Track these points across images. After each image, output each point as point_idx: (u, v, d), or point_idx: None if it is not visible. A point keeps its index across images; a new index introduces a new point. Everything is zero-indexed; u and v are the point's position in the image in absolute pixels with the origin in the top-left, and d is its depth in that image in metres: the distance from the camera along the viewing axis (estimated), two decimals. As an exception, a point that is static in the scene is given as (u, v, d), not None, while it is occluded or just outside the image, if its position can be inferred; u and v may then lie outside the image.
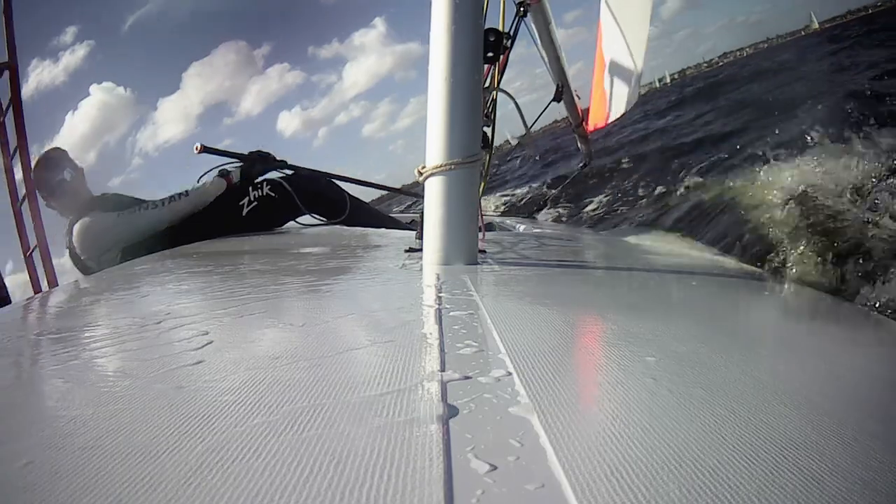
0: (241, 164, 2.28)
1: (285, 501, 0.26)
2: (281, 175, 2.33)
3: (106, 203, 2.19)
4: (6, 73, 2.66)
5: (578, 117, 3.29)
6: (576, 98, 3.21)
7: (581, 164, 4.18)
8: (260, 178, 2.31)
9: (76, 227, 2.09)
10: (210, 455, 0.30)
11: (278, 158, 2.39)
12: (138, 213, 2.06)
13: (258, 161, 2.27)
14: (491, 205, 5.98)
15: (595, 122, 3.08)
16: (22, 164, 2.75)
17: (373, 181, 2.93)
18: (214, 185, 2.15)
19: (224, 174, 2.17)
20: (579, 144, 3.78)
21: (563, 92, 2.79)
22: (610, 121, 2.91)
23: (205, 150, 2.21)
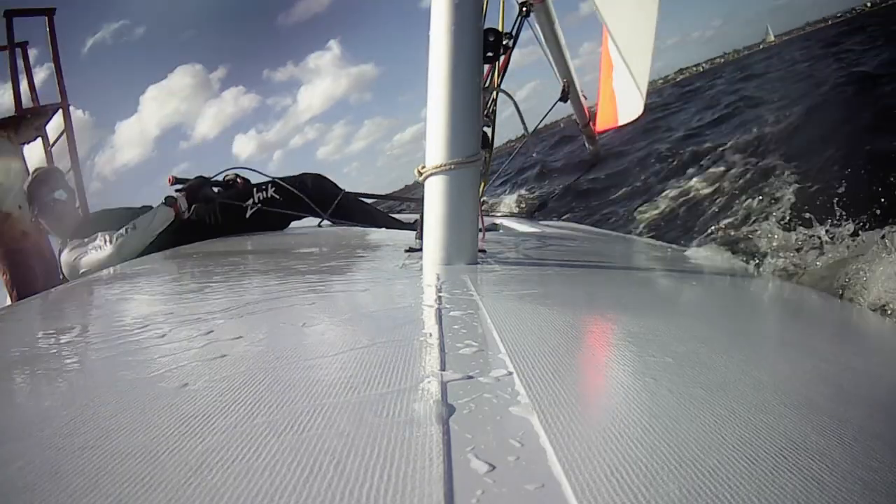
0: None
1: (285, 501, 0.26)
2: (284, 178, 2.35)
3: (99, 221, 2.19)
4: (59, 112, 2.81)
5: (585, 117, 3.29)
6: (582, 98, 3.21)
7: (589, 165, 4.18)
8: (264, 181, 2.32)
9: (63, 261, 2.12)
10: (210, 455, 0.30)
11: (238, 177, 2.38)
12: (100, 247, 2.04)
13: (203, 184, 2.24)
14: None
15: (604, 123, 3.07)
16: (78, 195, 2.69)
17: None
18: (161, 215, 2.12)
19: (170, 202, 2.14)
20: (586, 144, 3.78)
21: (569, 91, 2.79)
22: (621, 123, 2.91)
23: (177, 181, 2.23)
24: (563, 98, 2.72)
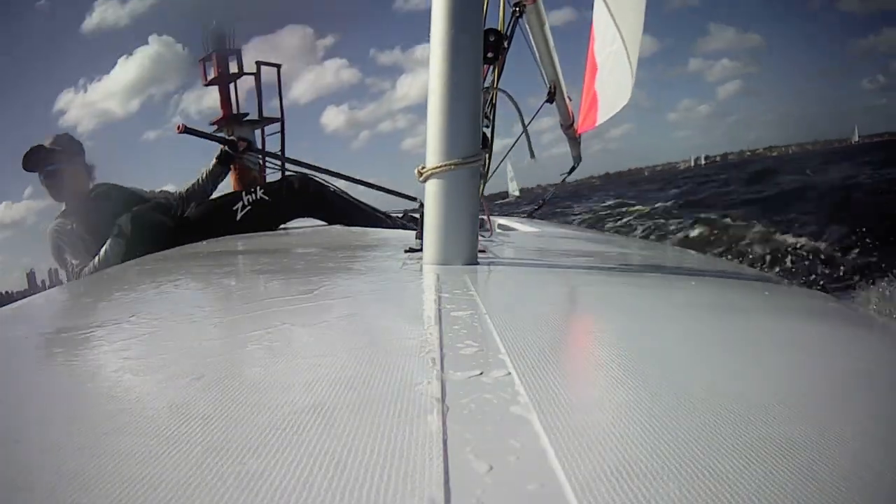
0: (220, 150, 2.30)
1: (285, 501, 0.26)
2: (274, 180, 2.37)
3: (104, 196, 2.21)
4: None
5: (569, 118, 3.30)
6: (567, 100, 3.21)
7: (571, 167, 4.19)
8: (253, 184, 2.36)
9: (49, 227, 2.13)
10: (210, 455, 0.30)
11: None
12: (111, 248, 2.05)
13: (236, 144, 2.29)
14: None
15: (585, 124, 3.09)
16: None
17: (389, 187, 2.93)
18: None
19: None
20: (569, 146, 3.79)
21: (555, 93, 2.79)
22: (598, 122, 2.92)
23: (186, 130, 2.23)
24: (550, 99, 2.73)
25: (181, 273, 1.24)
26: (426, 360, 0.43)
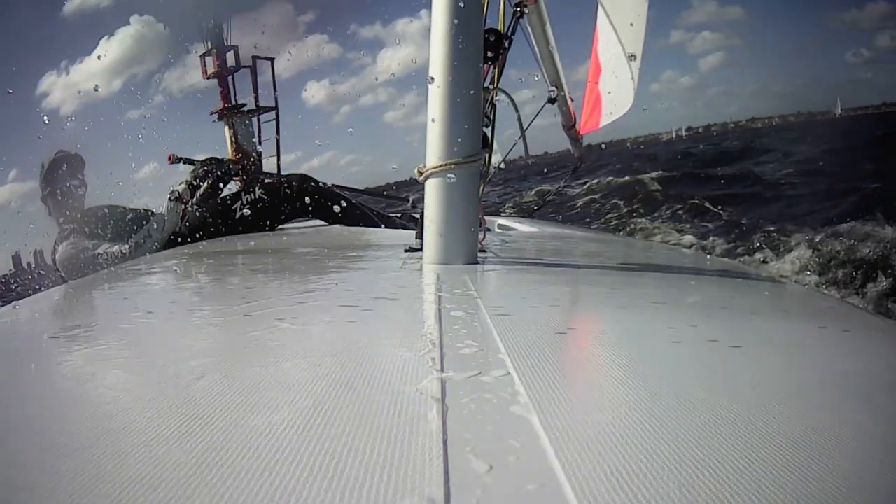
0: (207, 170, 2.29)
1: (285, 501, 0.26)
2: (271, 179, 2.37)
3: (96, 217, 2.20)
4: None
5: (571, 119, 3.30)
6: (569, 100, 3.22)
7: (573, 168, 4.18)
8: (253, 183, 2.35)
9: (59, 259, 2.13)
10: (210, 455, 0.30)
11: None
12: (111, 247, 2.07)
13: (216, 165, 2.28)
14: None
15: (588, 124, 3.09)
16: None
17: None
18: (171, 215, 2.15)
19: (176, 197, 2.17)
20: (571, 146, 3.79)
21: (557, 94, 2.79)
22: (602, 124, 2.93)
23: (177, 160, 2.24)
24: (551, 100, 2.73)
25: (181, 273, 1.24)
26: (426, 359, 0.43)
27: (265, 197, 2.29)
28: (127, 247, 2.05)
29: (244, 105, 3.98)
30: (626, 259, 1.49)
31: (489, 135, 1.22)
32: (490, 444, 0.30)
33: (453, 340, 0.48)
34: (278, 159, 2.86)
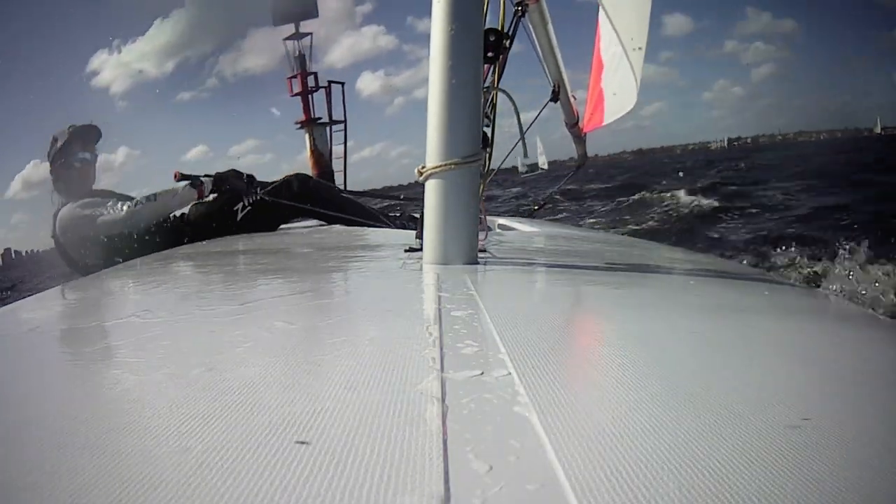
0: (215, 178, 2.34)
1: (285, 501, 0.26)
2: (273, 180, 2.38)
3: (97, 199, 2.22)
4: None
5: (574, 117, 3.30)
6: (571, 99, 3.21)
7: (576, 166, 4.18)
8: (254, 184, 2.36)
9: (59, 216, 2.14)
10: (210, 455, 0.30)
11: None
12: (115, 209, 2.09)
13: (231, 178, 2.31)
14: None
15: (591, 123, 3.09)
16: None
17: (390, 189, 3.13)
18: (185, 193, 2.19)
19: (196, 185, 2.22)
20: (574, 145, 3.78)
21: (559, 92, 2.79)
22: (605, 122, 2.93)
23: (182, 177, 2.26)
24: (554, 98, 2.73)
25: (181, 273, 1.24)
26: (426, 359, 0.43)
27: (266, 198, 2.29)
28: (128, 205, 2.08)
29: (320, 118, 5.32)
30: (626, 259, 1.49)
31: (489, 135, 1.22)
32: (490, 444, 0.30)
33: (453, 340, 0.48)
34: (345, 163, 3.30)
